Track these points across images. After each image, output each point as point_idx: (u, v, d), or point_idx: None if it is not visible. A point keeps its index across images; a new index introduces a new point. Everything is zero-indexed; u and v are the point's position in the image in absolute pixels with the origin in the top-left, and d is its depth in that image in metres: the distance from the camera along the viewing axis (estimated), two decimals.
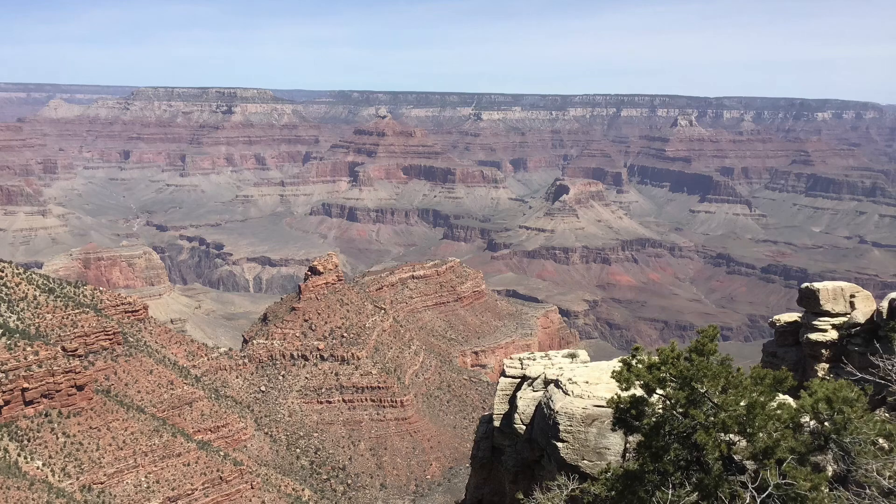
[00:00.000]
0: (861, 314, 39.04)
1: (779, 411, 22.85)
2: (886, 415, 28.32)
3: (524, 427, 34.79)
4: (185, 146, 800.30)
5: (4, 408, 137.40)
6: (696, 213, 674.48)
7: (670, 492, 22.06)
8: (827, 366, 39.53)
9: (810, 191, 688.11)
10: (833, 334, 39.86)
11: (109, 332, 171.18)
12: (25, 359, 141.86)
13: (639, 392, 24.38)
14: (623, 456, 29.42)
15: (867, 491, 21.83)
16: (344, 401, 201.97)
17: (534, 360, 38.45)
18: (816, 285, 40.96)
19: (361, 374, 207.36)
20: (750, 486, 21.73)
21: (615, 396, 25.12)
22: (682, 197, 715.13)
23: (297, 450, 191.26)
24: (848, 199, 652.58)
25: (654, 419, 24.01)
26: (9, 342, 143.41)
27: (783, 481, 21.28)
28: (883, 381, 28.33)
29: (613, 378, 25.02)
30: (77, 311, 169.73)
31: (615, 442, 29.74)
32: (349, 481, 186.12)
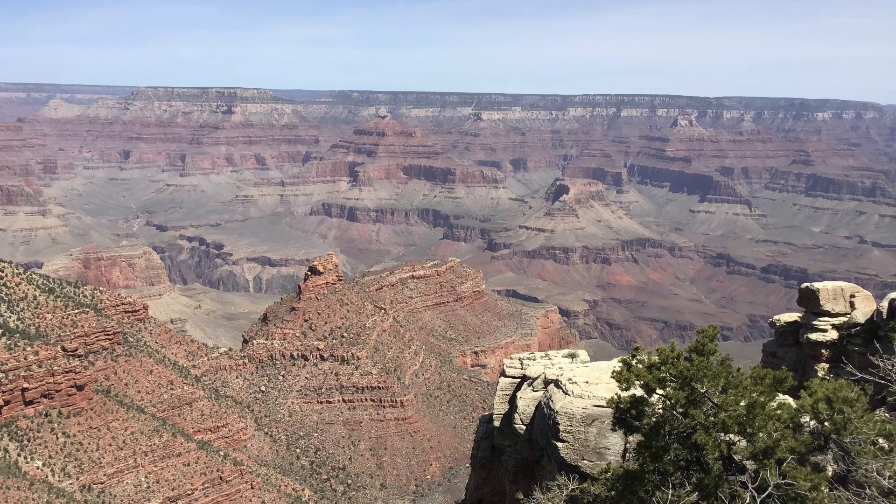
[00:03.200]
0: (861, 314, 39.05)
1: (779, 411, 22.87)
2: (886, 415, 28.32)
3: (524, 427, 34.80)
4: (185, 146, 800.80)
5: (4, 408, 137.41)
6: (696, 213, 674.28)
7: (670, 492, 22.07)
8: (827, 366, 39.54)
9: (810, 191, 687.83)
10: (833, 334, 39.87)
11: (109, 332, 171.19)
12: (25, 359, 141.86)
13: (639, 392, 24.39)
14: (623, 456, 29.44)
15: (867, 491, 21.84)
16: (344, 401, 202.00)
17: (534, 360, 38.45)
18: (816, 285, 40.98)
19: (361, 374, 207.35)
20: (750, 486, 21.76)
21: (615, 396, 25.13)
22: (682, 197, 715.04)
23: (297, 450, 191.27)
24: (848, 199, 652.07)
25: (654, 419, 24.04)
26: (9, 342, 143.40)
27: (783, 481, 21.31)
28: (883, 381, 28.33)
29: (613, 378, 25.04)
30: (77, 311, 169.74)
31: (615, 442, 29.74)
32: (349, 481, 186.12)
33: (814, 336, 40.19)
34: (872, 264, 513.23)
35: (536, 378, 35.86)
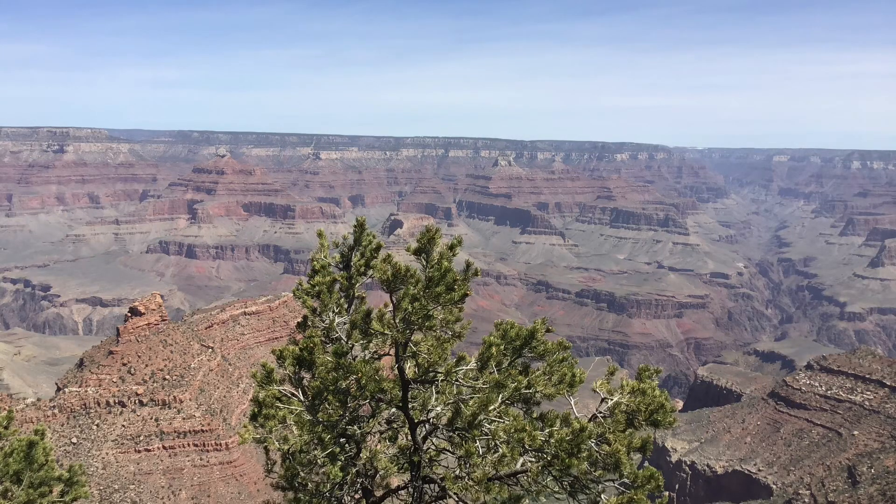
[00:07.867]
0: None
1: None
2: None
3: None
4: (13, 186, 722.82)
5: None
6: (518, 244, 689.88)
7: None
8: None
9: (614, 223, 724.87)
10: None
11: None
12: None
13: None
14: None
15: None
16: (164, 447, 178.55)
17: None
18: None
19: (184, 418, 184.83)
20: None
21: None
22: (505, 229, 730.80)
23: None
24: (646, 229, 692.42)
25: None
26: None
27: None
28: None
29: None
30: None
31: None
32: None
33: None
34: (670, 287, 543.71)
35: None
